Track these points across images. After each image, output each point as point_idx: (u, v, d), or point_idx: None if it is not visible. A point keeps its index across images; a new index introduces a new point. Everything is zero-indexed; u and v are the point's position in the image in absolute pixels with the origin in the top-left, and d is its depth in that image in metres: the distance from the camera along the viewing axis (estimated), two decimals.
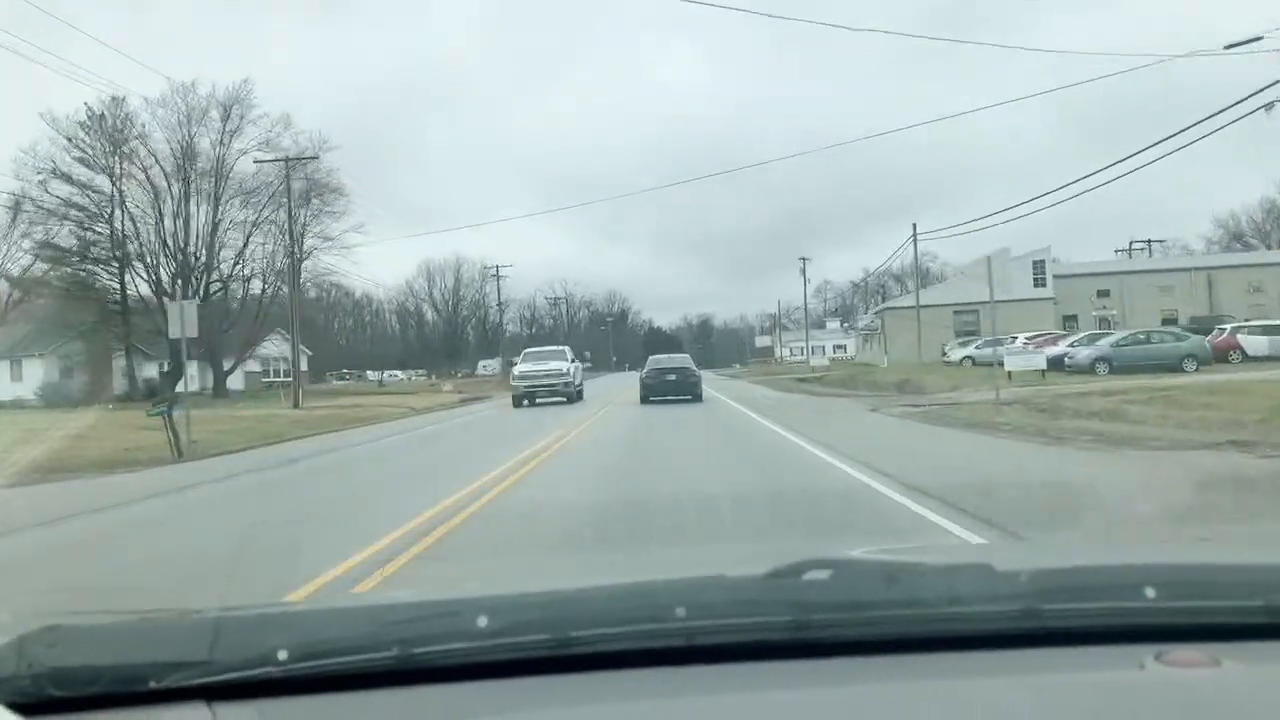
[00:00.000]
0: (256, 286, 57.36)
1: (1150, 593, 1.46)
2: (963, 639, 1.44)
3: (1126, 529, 7.33)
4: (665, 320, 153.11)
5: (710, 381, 46.62)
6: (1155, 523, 7.52)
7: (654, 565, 2.77)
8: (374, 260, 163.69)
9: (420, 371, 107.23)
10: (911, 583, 1.51)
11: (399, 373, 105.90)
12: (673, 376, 30.70)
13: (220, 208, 52.95)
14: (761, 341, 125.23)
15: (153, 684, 1.34)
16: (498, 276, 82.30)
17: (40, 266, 52.69)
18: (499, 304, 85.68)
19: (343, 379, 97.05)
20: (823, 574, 1.48)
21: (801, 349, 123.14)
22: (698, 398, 29.89)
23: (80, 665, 1.36)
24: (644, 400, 29.76)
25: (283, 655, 1.36)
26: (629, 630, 1.42)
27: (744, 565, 1.68)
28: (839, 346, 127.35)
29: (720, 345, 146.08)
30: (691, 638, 1.42)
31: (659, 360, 32.85)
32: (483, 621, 1.41)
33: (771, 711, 1.31)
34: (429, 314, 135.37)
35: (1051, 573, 1.61)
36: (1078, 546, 3.56)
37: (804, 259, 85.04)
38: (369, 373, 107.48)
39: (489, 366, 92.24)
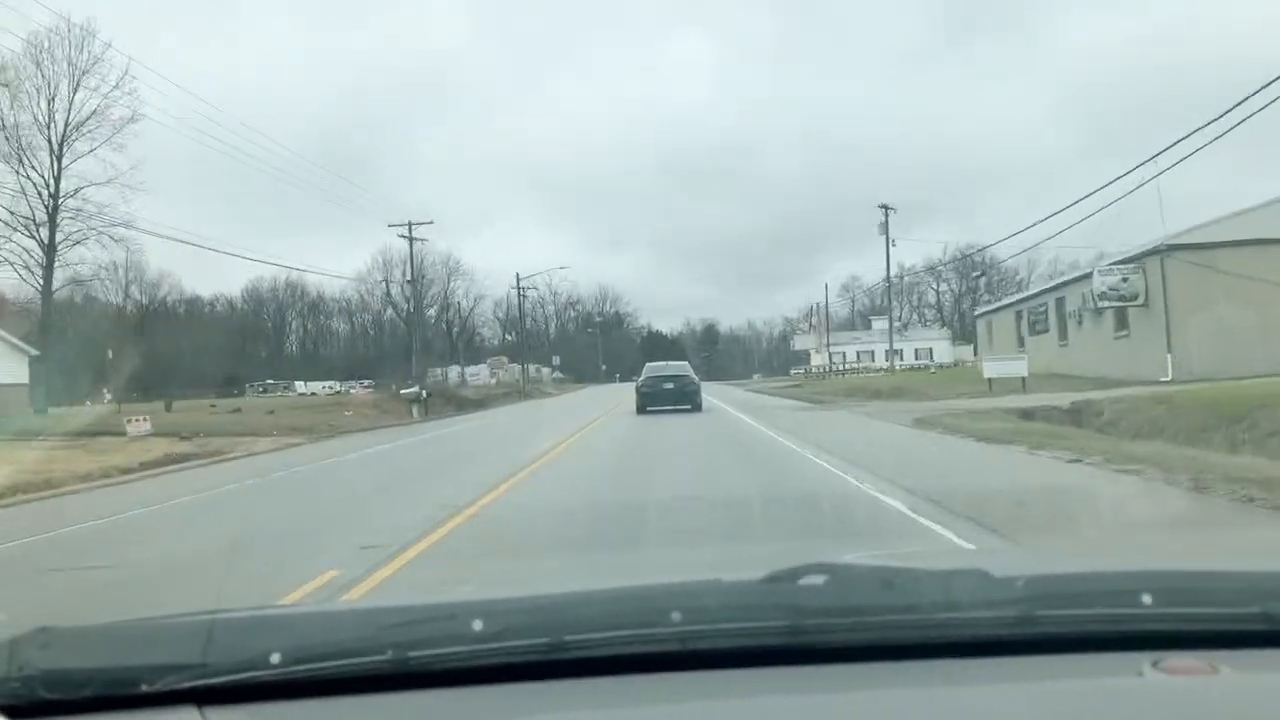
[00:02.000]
0: None
1: (1147, 599, 1.45)
2: (959, 645, 1.42)
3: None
4: (665, 327, 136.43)
5: (765, 415, 25.73)
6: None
7: (650, 569, 2.76)
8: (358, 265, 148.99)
9: (366, 382, 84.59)
10: (907, 588, 1.50)
11: (335, 384, 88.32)
12: (670, 385, 29.00)
13: None
14: (804, 343, 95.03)
15: (145, 687, 1.33)
16: (411, 237, 50.97)
17: None
18: (411, 279, 53.57)
19: (262, 392, 79.52)
20: (818, 579, 1.46)
21: (842, 355, 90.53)
22: (697, 407, 28.31)
23: (72, 668, 1.35)
24: (640, 410, 28.10)
25: (275, 658, 1.35)
26: (624, 635, 1.41)
27: (740, 570, 1.66)
28: (893, 350, 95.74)
29: (726, 353, 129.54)
30: (687, 642, 1.41)
31: (656, 368, 31.24)
32: (478, 625, 1.40)
33: (767, 717, 1.30)
34: (388, 312, 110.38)
35: (1048, 579, 1.59)
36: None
37: (886, 207, 54.01)
38: (300, 384, 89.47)
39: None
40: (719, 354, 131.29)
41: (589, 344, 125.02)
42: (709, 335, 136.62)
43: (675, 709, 1.33)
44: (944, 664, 1.38)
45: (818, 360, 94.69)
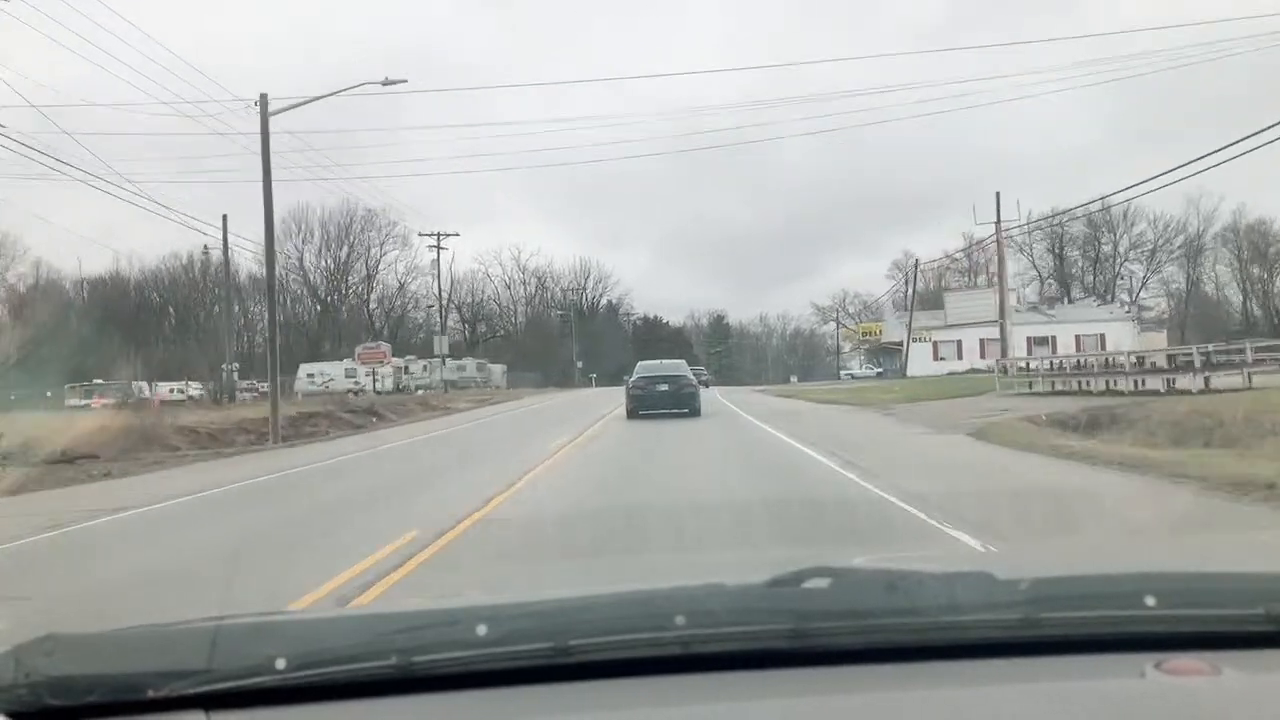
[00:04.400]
0: None
1: (1150, 601, 1.45)
2: (963, 647, 1.43)
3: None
4: (667, 318, 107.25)
5: None
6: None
7: (654, 573, 2.72)
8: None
9: (258, 381, 58.66)
10: (911, 591, 1.50)
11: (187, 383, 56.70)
12: (665, 387, 25.92)
13: None
14: (968, 309, 61.07)
15: (150, 693, 1.34)
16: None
17: None
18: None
19: (86, 397, 49.76)
20: (822, 582, 1.47)
21: (933, 346, 54.61)
22: (695, 412, 25.41)
23: (78, 674, 1.36)
24: (631, 415, 25.52)
25: (281, 664, 1.35)
26: (628, 639, 1.42)
27: (744, 573, 1.66)
28: (1038, 339, 60.96)
29: (737, 350, 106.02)
30: (691, 646, 1.42)
31: (649, 367, 28.05)
32: (482, 630, 1.41)
33: (771, 719, 1.31)
34: (299, 289, 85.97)
35: (1051, 581, 1.60)
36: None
37: None
38: (139, 385, 56.81)
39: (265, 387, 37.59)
40: (731, 349, 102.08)
41: (557, 331, 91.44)
42: (719, 329, 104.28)
43: (679, 712, 1.33)
44: (947, 666, 1.39)
45: (922, 358, 58.92)
